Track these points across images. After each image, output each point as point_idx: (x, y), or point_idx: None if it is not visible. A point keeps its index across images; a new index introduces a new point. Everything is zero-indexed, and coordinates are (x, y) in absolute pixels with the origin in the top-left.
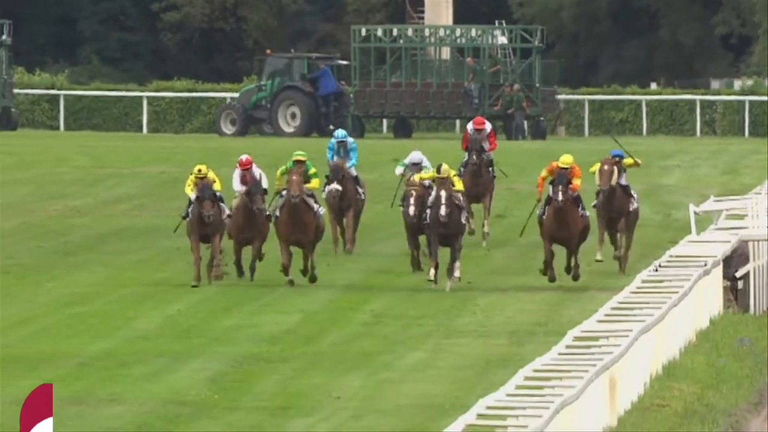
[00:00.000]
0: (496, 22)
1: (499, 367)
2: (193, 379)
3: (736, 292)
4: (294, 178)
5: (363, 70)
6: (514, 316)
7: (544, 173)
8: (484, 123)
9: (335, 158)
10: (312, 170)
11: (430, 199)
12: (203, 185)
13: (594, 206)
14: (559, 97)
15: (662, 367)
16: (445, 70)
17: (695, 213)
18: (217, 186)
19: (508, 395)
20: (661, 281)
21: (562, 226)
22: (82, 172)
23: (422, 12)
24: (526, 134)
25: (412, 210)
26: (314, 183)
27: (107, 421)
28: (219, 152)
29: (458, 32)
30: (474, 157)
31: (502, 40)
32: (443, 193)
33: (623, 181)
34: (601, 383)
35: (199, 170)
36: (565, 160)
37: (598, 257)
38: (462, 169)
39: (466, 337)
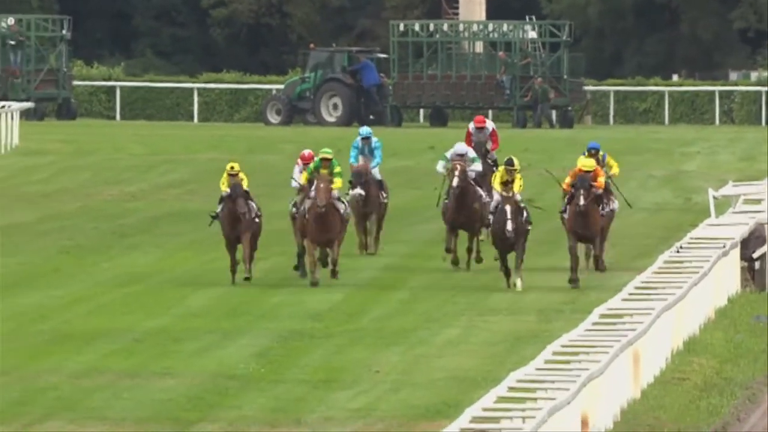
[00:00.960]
0: (527, 17)
1: (528, 342)
2: (241, 354)
3: (753, 272)
4: (321, 185)
5: (401, 63)
6: (542, 294)
7: (568, 179)
8: (484, 121)
9: (360, 158)
10: (337, 168)
11: (492, 204)
12: (235, 184)
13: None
14: (586, 88)
15: (683, 343)
16: (478, 63)
17: (714, 197)
18: (244, 184)
19: (538, 369)
20: (682, 262)
21: (585, 227)
22: (137, 159)
23: (457, 8)
24: (554, 123)
25: (456, 181)
26: (338, 183)
27: (160, 394)
28: (265, 140)
29: (491, 27)
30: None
31: (532, 34)
32: (508, 207)
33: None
34: (626, 358)
35: (232, 167)
36: (587, 163)
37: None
38: None
39: (498, 315)
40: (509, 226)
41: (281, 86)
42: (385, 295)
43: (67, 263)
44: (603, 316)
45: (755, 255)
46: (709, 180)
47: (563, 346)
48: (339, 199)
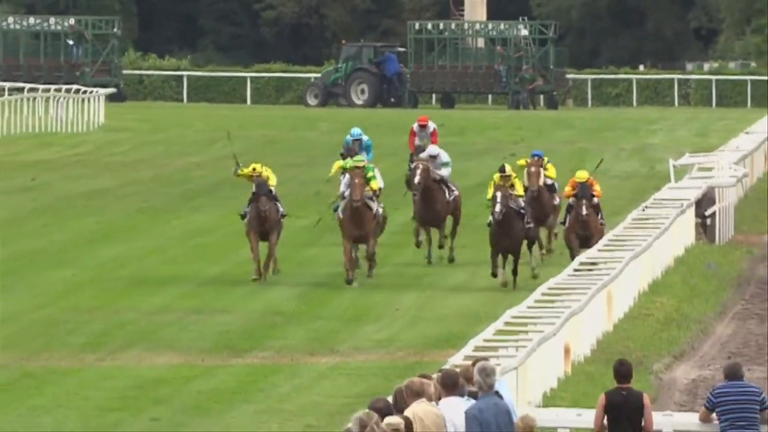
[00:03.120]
0: (520, 18)
1: (521, 285)
2: (284, 296)
3: (705, 228)
4: (356, 181)
5: (417, 55)
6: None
7: (568, 189)
8: (427, 121)
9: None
10: (370, 173)
11: (492, 197)
12: (259, 182)
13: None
14: (568, 76)
15: (648, 285)
16: (480, 55)
17: (674, 166)
18: (272, 182)
19: (529, 307)
20: (647, 219)
21: (585, 234)
22: (201, 134)
23: (463, 10)
24: (527, 106)
25: (417, 179)
26: (374, 184)
27: (220, 327)
28: (305, 119)
29: (490, 26)
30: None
31: (524, 32)
32: (498, 193)
33: (548, 180)
34: (601, 298)
35: (254, 169)
36: (581, 175)
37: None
38: (410, 171)
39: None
40: (497, 208)
41: (318, 75)
42: (401, 247)
43: (142, 221)
44: (582, 263)
45: (707, 213)
46: (670, 152)
47: (550, 289)
48: (372, 198)
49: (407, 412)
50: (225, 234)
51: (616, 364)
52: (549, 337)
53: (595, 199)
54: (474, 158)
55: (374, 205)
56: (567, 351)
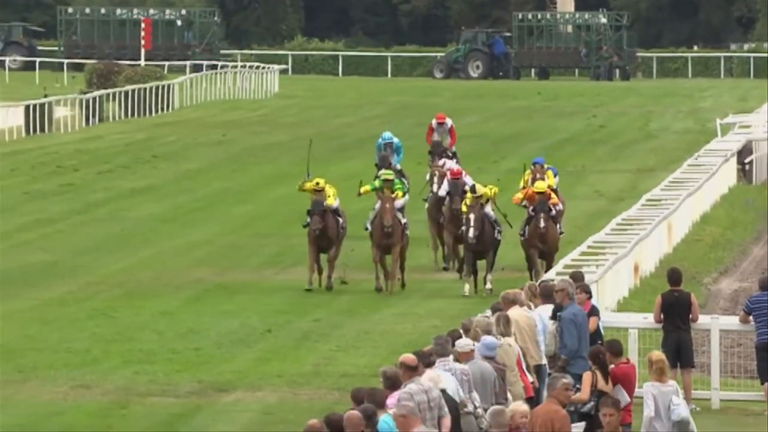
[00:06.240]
0: (600, 9)
1: (601, 218)
2: (414, 234)
3: (744, 172)
4: (387, 206)
5: (520, 39)
6: (610, 185)
7: (520, 195)
8: (445, 117)
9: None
10: (398, 185)
11: (465, 218)
12: (316, 200)
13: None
14: (638, 54)
15: (699, 217)
16: (569, 38)
17: (720, 124)
18: (330, 201)
19: (607, 234)
20: (699, 165)
21: (544, 245)
22: (352, 101)
23: (555, 3)
24: (608, 77)
25: (435, 187)
26: (398, 194)
27: (367, 249)
28: (432, 89)
29: (577, 15)
30: (437, 158)
31: (603, 20)
32: (471, 216)
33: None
34: (663, 227)
35: (317, 183)
36: (539, 186)
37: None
38: (430, 174)
39: (583, 200)
40: (471, 233)
41: (443, 54)
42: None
43: (302, 170)
44: (648, 200)
45: (746, 161)
46: (717, 113)
47: (623, 219)
48: (401, 210)
49: None
50: (370, 177)
51: (668, 271)
52: (622, 257)
53: (553, 212)
54: (564, 118)
55: (402, 219)
56: (636, 268)
